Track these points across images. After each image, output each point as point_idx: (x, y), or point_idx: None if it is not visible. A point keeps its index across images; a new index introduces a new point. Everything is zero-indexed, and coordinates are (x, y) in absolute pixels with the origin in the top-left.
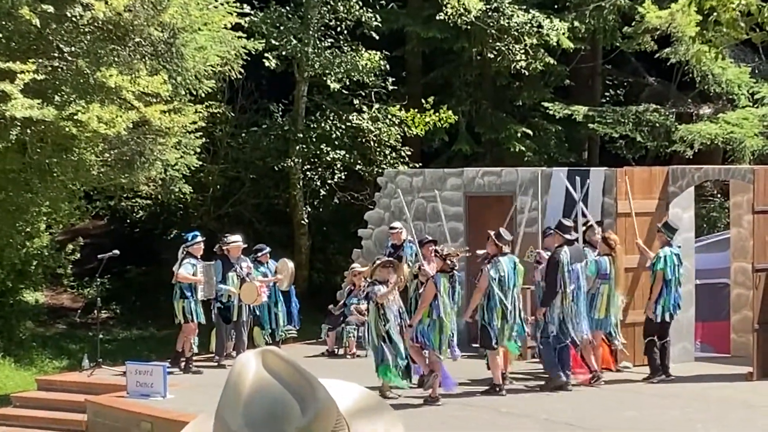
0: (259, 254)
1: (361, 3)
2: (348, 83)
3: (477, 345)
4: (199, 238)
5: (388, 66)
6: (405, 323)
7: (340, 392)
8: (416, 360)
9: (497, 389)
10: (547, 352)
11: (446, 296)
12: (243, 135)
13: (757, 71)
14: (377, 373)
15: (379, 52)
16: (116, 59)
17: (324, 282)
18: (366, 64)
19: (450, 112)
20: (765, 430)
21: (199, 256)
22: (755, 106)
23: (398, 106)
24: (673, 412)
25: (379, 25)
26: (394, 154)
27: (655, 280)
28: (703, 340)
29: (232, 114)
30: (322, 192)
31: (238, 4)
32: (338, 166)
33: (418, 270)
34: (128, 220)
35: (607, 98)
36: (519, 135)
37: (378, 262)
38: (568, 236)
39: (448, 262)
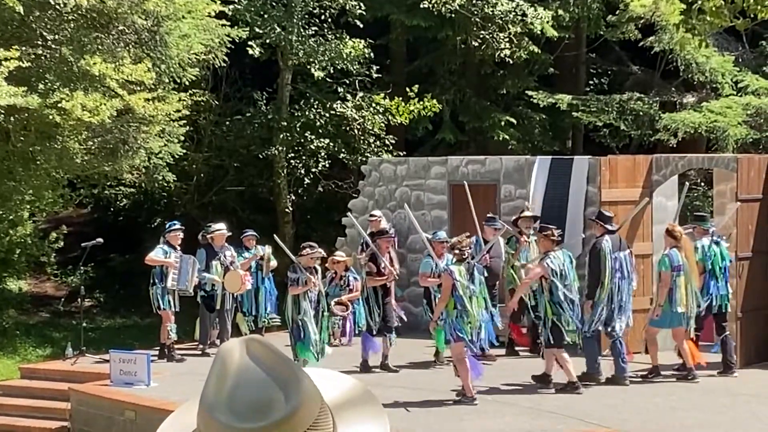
0: (244, 236)
1: None
2: (332, 71)
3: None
4: (177, 226)
5: (372, 54)
6: (322, 307)
7: (326, 382)
8: (459, 370)
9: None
10: (589, 347)
11: (465, 282)
12: (227, 123)
13: (740, 60)
14: (296, 350)
15: (363, 41)
16: (100, 47)
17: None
18: (350, 53)
19: (434, 100)
20: (748, 418)
21: (177, 245)
22: (739, 94)
23: (382, 95)
24: (656, 399)
25: (363, 13)
26: (378, 143)
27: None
28: None
29: (216, 102)
30: (306, 180)
31: None
32: (322, 154)
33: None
34: (112, 209)
35: (591, 87)
36: (503, 123)
37: (309, 251)
38: (609, 226)
39: (457, 251)
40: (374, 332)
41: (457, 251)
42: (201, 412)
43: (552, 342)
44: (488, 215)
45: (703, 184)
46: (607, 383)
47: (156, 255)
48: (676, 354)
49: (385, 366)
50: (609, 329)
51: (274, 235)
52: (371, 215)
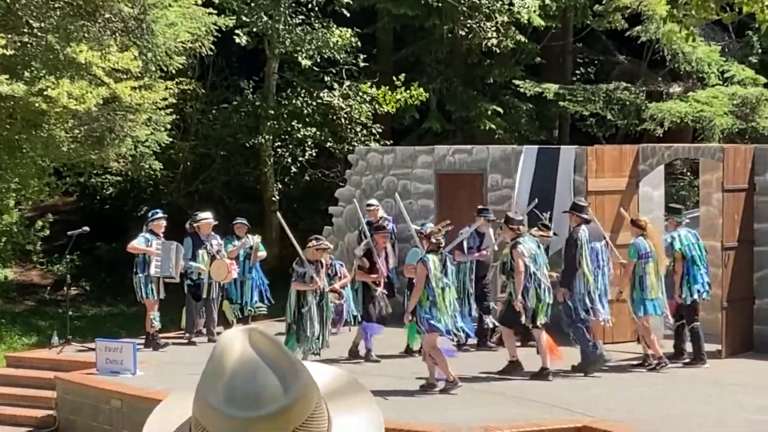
0: (234, 224)
1: None
2: (319, 60)
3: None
4: (160, 215)
5: (359, 43)
6: (325, 301)
7: (317, 374)
8: (436, 360)
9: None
10: (579, 335)
11: (438, 275)
12: (213, 112)
13: (727, 50)
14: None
15: (350, 29)
16: (86, 35)
17: (294, 259)
18: (337, 41)
19: (421, 89)
20: (733, 408)
21: (161, 233)
22: (725, 84)
23: (369, 84)
24: (641, 389)
25: (350, 2)
26: (365, 132)
27: (675, 261)
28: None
29: (203, 91)
30: (293, 169)
31: None
32: (309, 143)
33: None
34: (98, 197)
35: (578, 76)
36: (490, 113)
37: (315, 243)
38: (585, 215)
39: (434, 240)
40: (374, 319)
41: (433, 241)
42: (197, 399)
43: (505, 321)
44: (479, 206)
45: (689, 173)
46: (572, 371)
47: (138, 243)
48: (640, 343)
49: (369, 356)
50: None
51: (282, 221)
52: (368, 204)
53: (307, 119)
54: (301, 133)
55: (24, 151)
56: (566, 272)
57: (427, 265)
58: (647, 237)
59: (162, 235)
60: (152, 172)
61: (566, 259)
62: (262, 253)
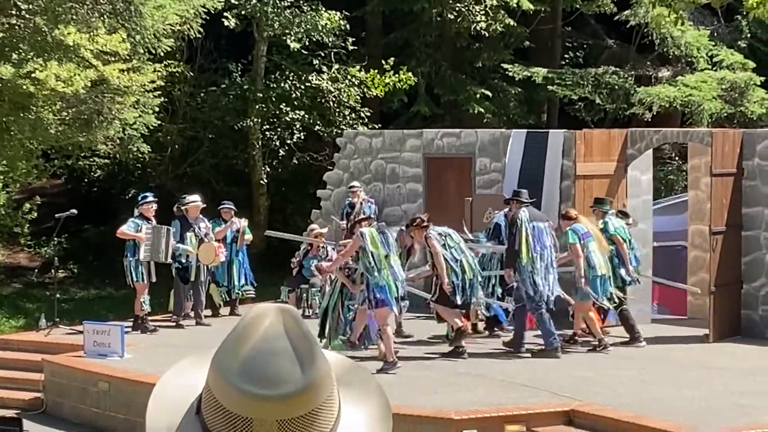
0: (220, 208)
1: None
2: (308, 43)
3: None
4: (150, 198)
5: (348, 26)
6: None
7: (332, 363)
8: (383, 337)
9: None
10: (518, 319)
11: (380, 249)
12: (202, 94)
13: (716, 34)
14: (330, 341)
15: (339, 12)
16: (74, 17)
17: (282, 242)
18: (326, 24)
19: (410, 73)
20: (721, 391)
21: (151, 217)
22: (714, 69)
23: (358, 67)
24: (629, 372)
25: None
26: (353, 115)
27: (618, 245)
28: (660, 302)
29: (191, 73)
30: (281, 152)
31: None
32: (297, 126)
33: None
34: (86, 180)
35: (567, 60)
36: (478, 97)
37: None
38: (522, 198)
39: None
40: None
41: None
42: (213, 368)
43: (439, 302)
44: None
45: (677, 158)
46: (534, 356)
47: (127, 229)
48: (580, 324)
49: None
50: (541, 303)
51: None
52: (351, 186)
53: (295, 102)
54: (290, 116)
55: (12, 133)
56: (509, 253)
57: (364, 239)
58: (579, 222)
59: (153, 218)
60: (140, 155)
61: (509, 240)
62: (249, 236)
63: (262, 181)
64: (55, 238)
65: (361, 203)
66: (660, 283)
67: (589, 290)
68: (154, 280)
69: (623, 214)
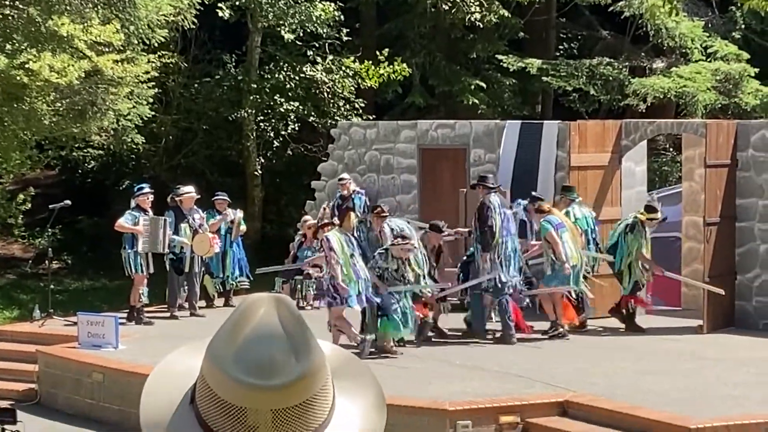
0: (214, 199)
1: None
2: (302, 34)
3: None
4: (146, 190)
5: (342, 17)
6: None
7: (327, 352)
8: (342, 329)
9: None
10: (476, 304)
11: (346, 250)
12: (196, 85)
13: (710, 25)
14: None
15: (333, 3)
16: (68, 7)
17: (276, 234)
18: (320, 15)
19: (404, 64)
20: (715, 382)
21: (148, 208)
22: (708, 60)
23: (352, 58)
24: (624, 363)
25: None
26: (347, 106)
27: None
28: (654, 293)
29: (185, 64)
30: (276, 143)
31: None
32: (292, 117)
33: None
34: (80, 171)
35: (561, 51)
36: (473, 88)
37: (402, 241)
38: (489, 184)
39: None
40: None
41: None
42: (208, 357)
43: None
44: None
45: (671, 149)
46: (496, 342)
47: (125, 222)
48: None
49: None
50: (503, 290)
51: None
52: (340, 178)
53: (289, 93)
54: (284, 107)
55: (5, 124)
56: (484, 238)
57: (330, 243)
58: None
59: (149, 209)
60: (134, 146)
61: (480, 225)
62: (243, 228)
63: (256, 173)
64: (49, 229)
65: (351, 195)
66: (680, 281)
67: (565, 277)
68: (152, 271)
69: (651, 209)
